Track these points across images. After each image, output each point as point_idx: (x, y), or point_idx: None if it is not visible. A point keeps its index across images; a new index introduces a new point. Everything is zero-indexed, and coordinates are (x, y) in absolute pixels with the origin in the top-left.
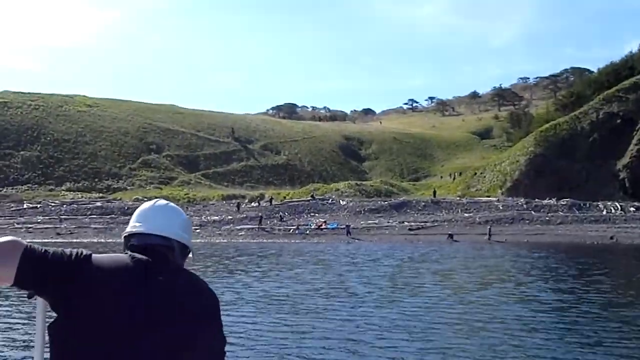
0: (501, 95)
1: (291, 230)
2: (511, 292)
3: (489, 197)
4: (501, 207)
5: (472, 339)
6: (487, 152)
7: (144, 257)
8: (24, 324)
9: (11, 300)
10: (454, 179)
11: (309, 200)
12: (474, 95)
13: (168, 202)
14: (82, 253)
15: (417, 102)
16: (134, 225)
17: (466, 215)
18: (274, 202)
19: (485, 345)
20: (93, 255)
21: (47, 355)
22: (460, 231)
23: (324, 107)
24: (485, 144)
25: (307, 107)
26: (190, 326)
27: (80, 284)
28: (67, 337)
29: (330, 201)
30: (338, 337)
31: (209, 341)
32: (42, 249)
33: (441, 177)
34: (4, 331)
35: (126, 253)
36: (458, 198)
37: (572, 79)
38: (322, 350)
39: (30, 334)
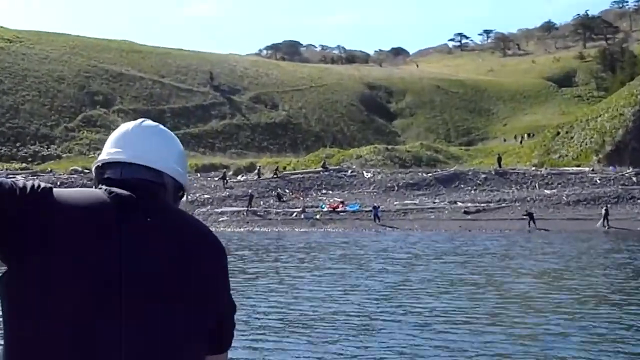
0: (587, 26)
1: (294, 213)
2: None
3: (579, 166)
4: (599, 181)
5: None
6: (569, 105)
7: (125, 192)
8: None
9: None
10: (521, 141)
11: (319, 172)
12: (548, 26)
13: (159, 124)
14: (39, 185)
15: (467, 38)
16: (110, 151)
17: (547, 192)
18: (268, 174)
19: None
20: (54, 189)
21: None
22: (541, 214)
23: (338, 47)
24: (565, 94)
25: (315, 46)
26: (188, 287)
27: (37, 225)
28: (22, 293)
29: (349, 173)
30: None
31: (212, 308)
32: None
33: (504, 139)
34: None
35: (100, 188)
36: (534, 168)
37: None
38: None
39: None
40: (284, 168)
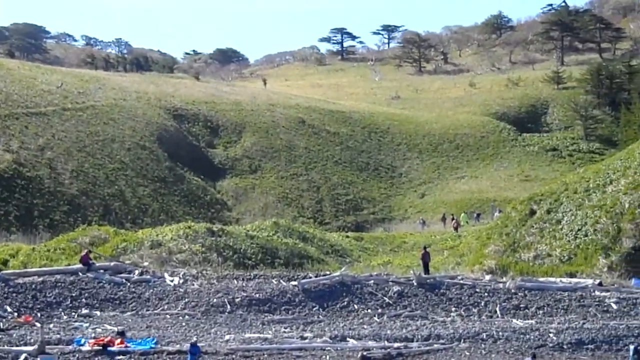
0: (566, 26)
1: (22, 357)
2: None
3: (574, 275)
4: (614, 306)
5: None
6: (538, 164)
7: None
8: None
9: None
10: (456, 227)
11: (76, 274)
12: (498, 24)
13: None
14: None
15: (353, 37)
16: None
17: (519, 324)
18: None
19: None
20: None
21: None
22: None
23: (117, 41)
24: (530, 145)
25: (73, 38)
26: None
27: None
28: None
29: (136, 276)
30: None
31: None
32: None
33: (422, 222)
34: None
35: None
36: (489, 277)
37: None
38: None
39: None
40: (4, 264)
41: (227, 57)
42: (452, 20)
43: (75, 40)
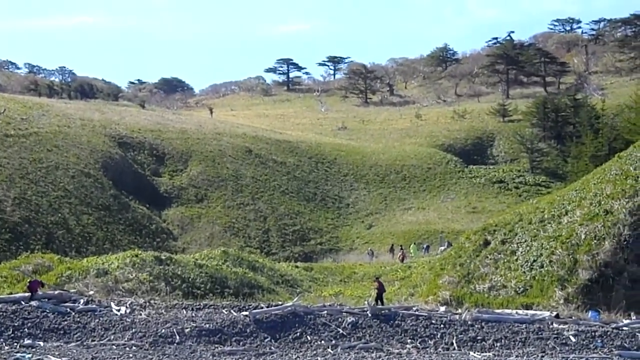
0: (511, 59)
1: None
2: None
3: (530, 307)
4: (573, 339)
5: None
6: (485, 196)
7: None
8: None
9: None
10: (402, 258)
11: (18, 304)
12: (442, 57)
13: None
14: None
15: (299, 68)
16: None
17: (476, 356)
18: None
19: None
20: None
21: None
22: None
23: (61, 70)
24: (476, 177)
25: (16, 66)
26: None
27: None
28: None
29: (82, 305)
30: None
31: None
32: None
33: (371, 253)
34: None
35: None
36: (444, 309)
37: None
38: None
39: None
40: None
41: (173, 87)
42: (397, 52)
43: (18, 68)
